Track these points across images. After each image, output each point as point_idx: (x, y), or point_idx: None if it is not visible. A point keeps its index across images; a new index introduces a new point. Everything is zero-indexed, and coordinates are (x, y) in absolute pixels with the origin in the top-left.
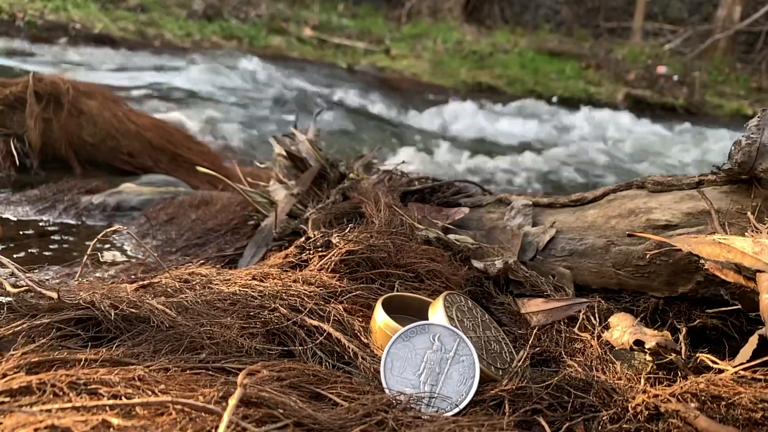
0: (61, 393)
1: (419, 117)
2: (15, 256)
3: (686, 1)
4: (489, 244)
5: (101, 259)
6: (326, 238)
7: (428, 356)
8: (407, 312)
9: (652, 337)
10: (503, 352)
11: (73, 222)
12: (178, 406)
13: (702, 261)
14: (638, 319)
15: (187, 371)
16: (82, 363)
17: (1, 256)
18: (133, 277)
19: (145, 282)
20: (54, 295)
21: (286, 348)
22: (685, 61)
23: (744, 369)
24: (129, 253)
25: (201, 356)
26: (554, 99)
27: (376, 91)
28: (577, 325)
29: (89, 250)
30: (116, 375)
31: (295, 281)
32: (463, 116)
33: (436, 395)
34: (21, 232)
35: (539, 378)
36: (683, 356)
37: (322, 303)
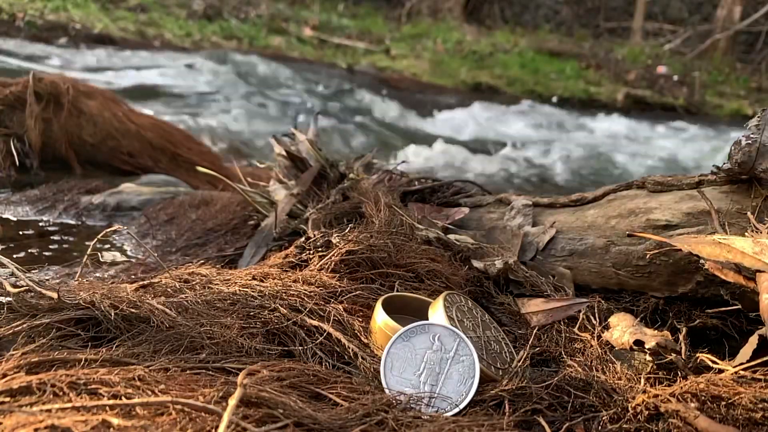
0: (61, 393)
1: (419, 117)
2: (15, 256)
3: (686, 1)
4: (489, 244)
5: (101, 259)
6: (326, 238)
7: (428, 356)
8: (407, 312)
9: (652, 337)
10: (503, 352)
11: (73, 222)
12: (178, 406)
13: (702, 261)
14: (638, 319)
15: (187, 371)
16: (82, 363)
17: (1, 256)
18: (133, 277)
19: (145, 282)
20: (54, 295)
21: (286, 348)
22: (685, 61)
23: (744, 369)
24: (129, 253)
25: (201, 356)
26: (554, 99)
27: (376, 91)
28: (577, 325)
29: (89, 250)
30: (116, 375)
31: (295, 281)
32: (463, 116)
33: (436, 395)
34: (21, 232)
35: (539, 378)
36: (683, 356)
37: (322, 303)
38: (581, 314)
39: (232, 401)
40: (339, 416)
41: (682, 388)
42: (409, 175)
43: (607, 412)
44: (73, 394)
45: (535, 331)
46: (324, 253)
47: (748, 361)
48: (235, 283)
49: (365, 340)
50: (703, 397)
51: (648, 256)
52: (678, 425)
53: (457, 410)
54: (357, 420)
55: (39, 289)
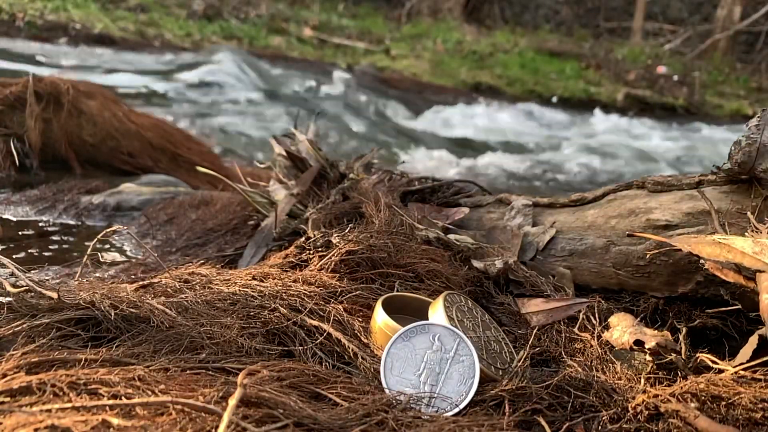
0: (61, 393)
1: (419, 117)
2: (15, 256)
3: (686, 1)
4: (489, 244)
5: (101, 259)
6: (326, 238)
7: (428, 356)
8: (407, 312)
9: (652, 337)
10: (503, 352)
11: (73, 222)
12: (178, 406)
13: (702, 261)
14: (638, 319)
15: (187, 371)
16: (82, 363)
17: (1, 256)
18: (133, 277)
19: (145, 282)
20: (54, 295)
21: (286, 348)
22: (685, 61)
23: (744, 369)
24: (129, 253)
25: (201, 356)
26: (554, 99)
27: (376, 91)
28: (577, 325)
29: (89, 250)
30: (116, 375)
31: (295, 281)
32: (463, 116)
33: (436, 395)
34: (21, 232)
35: (539, 378)
36: (683, 356)
37: (322, 303)
38: (581, 314)
39: (232, 401)
40: (339, 416)
41: (682, 388)
42: (409, 175)
43: (607, 412)
44: (73, 394)
45: (535, 331)
46: (324, 253)
47: (748, 361)
48: (235, 283)
49: (365, 340)
50: (703, 397)
51: (648, 256)
52: (678, 425)
53: (457, 410)
54: (357, 420)
55: (39, 289)
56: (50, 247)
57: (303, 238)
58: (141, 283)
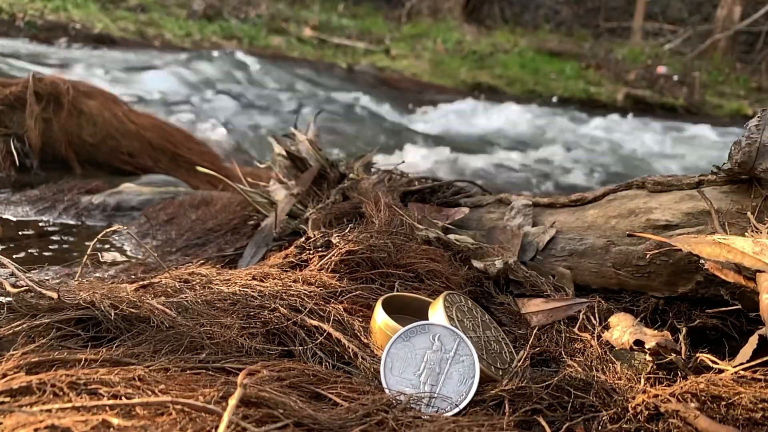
0: (61, 393)
1: (419, 117)
2: (15, 256)
3: (686, 1)
4: (489, 244)
5: (101, 259)
6: (326, 238)
7: (428, 356)
8: (407, 312)
9: (652, 337)
10: (503, 352)
11: (73, 222)
12: (178, 406)
13: (702, 261)
14: (638, 319)
15: (187, 371)
16: (82, 363)
17: (1, 256)
18: (133, 277)
19: (145, 282)
20: (54, 295)
21: (286, 348)
22: (685, 61)
23: (744, 369)
24: (129, 253)
25: (201, 356)
26: (554, 99)
27: (376, 91)
28: (577, 325)
29: (89, 250)
30: (116, 375)
31: (295, 281)
32: (463, 116)
33: (436, 395)
34: (21, 232)
35: (539, 378)
36: (683, 356)
37: (322, 303)
38: (581, 314)
39: (232, 401)
40: (339, 416)
41: (682, 388)
42: (409, 175)
43: (607, 412)
44: (73, 394)
45: (535, 331)
46: (324, 253)
47: (748, 361)
48: (235, 283)
49: (365, 340)
50: (703, 397)
51: (648, 256)
52: (678, 425)
53: (457, 410)
54: (357, 420)
55: (39, 289)
56: (50, 247)
57: (303, 238)
58: (141, 283)
